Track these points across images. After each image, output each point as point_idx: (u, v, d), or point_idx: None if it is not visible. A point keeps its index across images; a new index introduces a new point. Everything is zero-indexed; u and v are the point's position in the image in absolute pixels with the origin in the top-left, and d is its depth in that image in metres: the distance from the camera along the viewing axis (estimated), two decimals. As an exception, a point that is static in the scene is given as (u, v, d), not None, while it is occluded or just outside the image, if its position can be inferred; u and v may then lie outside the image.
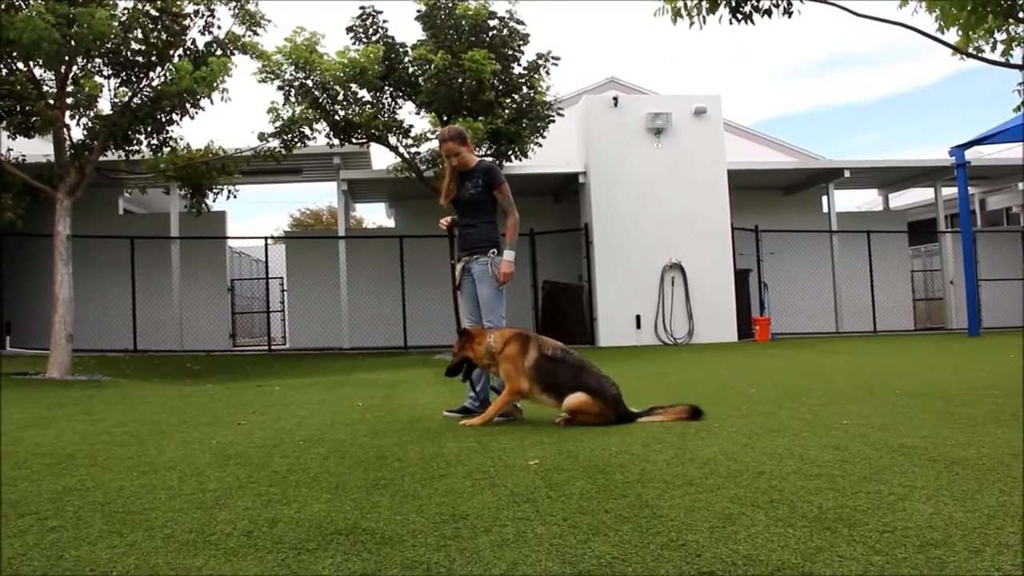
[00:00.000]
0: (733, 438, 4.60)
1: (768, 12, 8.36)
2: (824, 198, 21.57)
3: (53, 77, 11.20)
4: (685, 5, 8.19)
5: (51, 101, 11.16)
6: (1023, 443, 4.18)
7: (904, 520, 2.81)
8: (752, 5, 8.24)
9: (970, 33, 8.66)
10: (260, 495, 3.47)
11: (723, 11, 8.28)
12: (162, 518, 3.11)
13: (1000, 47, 8.56)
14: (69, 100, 11.33)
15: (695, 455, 4.10)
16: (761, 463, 3.87)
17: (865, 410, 5.73)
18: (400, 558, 2.55)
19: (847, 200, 37.03)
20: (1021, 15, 7.96)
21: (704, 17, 8.27)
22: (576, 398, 5.28)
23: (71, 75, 11.17)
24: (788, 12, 8.39)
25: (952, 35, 8.66)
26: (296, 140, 14.26)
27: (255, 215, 73.60)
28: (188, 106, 11.76)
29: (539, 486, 3.51)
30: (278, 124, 14.06)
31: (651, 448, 4.32)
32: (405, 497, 3.37)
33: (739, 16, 8.33)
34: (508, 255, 6.15)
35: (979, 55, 8.58)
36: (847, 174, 20.00)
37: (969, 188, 18.97)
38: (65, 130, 11.41)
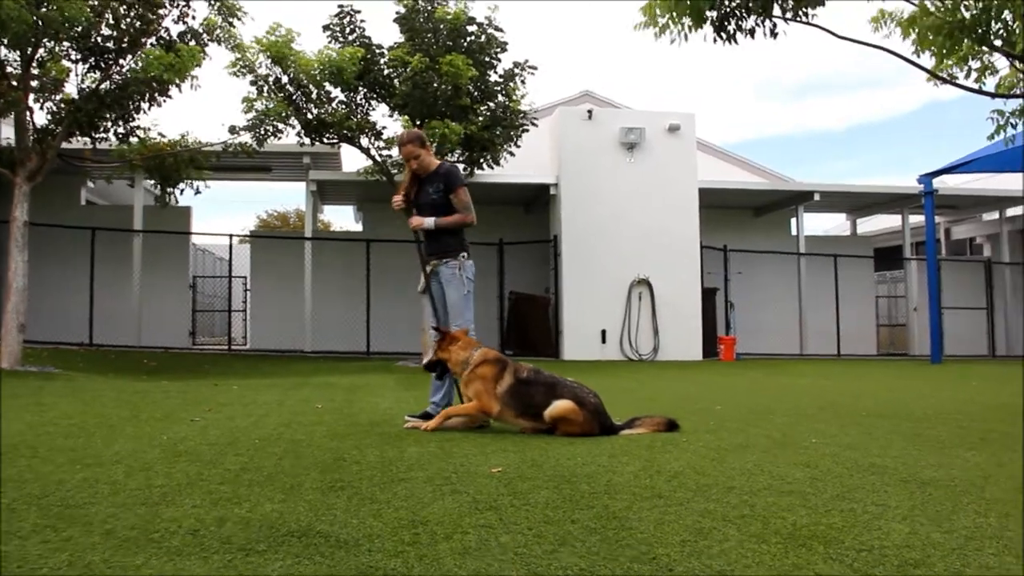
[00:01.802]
0: (701, 452, 4.51)
1: (751, 32, 8.32)
2: (793, 220, 21.66)
3: (18, 58, 10.91)
4: (670, 20, 8.11)
5: (14, 83, 10.87)
6: (995, 466, 4.13)
7: (881, 539, 2.72)
8: (736, 25, 8.20)
9: (944, 60, 8.69)
10: (209, 493, 3.31)
11: (707, 29, 8.22)
12: (103, 513, 2.94)
13: (974, 75, 8.60)
14: (34, 83, 11.05)
15: (663, 468, 3.99)
16: (731, 478, 3.77)
17: (832, 430, 5.67)
18: (355, 563, 2.42)
19: (815, 224, 37.34)
20: (997, 43, 8.00)
21: (686, 35, 8.20)
22: (559, 406, 5.15)
23: (37, 57, 10.89)
24: (774, 33, 8.36)
25: (926, 61, 8.71)
26: (268, 134, 14.02)
27: (221, 214, 72.85)
28: (156, 94, 11.53)
29: (502, 494, 3.38)
30: (251, 116, 13.81)
31: (617, 459, 4.21)
32: (362, 500, 3.23)
33: (723, 35, 8.29)
34: (429, 220, 6.02)
35: (954, 81, 8.60)
36: (817, 197, 20.06)
37: (935, 217, 19.15)
38: (28, 113, 11.12)
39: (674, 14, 7.98)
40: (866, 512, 3.12)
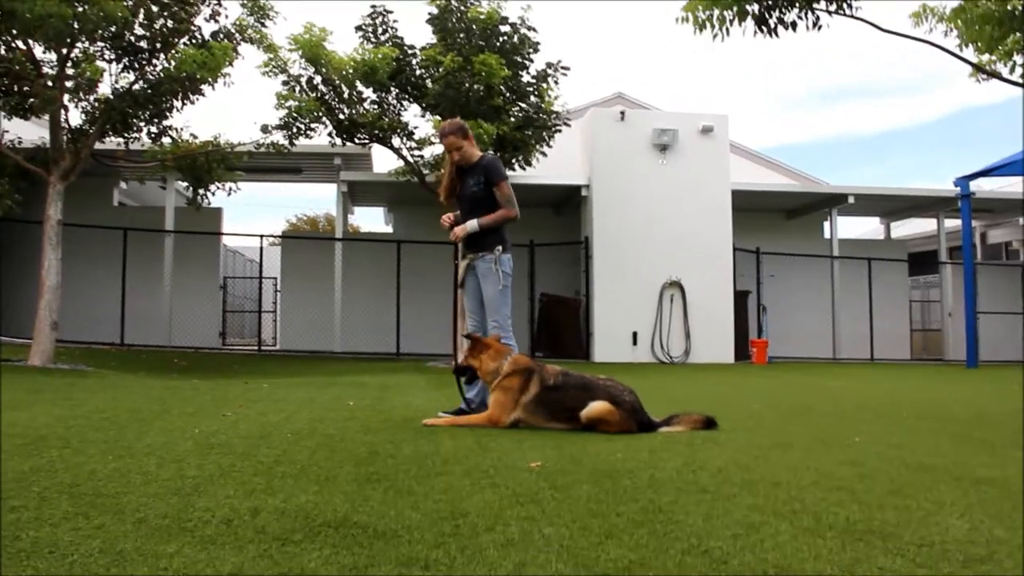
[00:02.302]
0: (743, 449, 4.39)
1: (793, 25, 8.17)
2: (826, 224, 21.43)
3: (54, 58, 10.97)
4: (711, 16, 7.98)
5: (50, 83, 10.93)
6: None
7: (941, 535, 2.60)
8: (778, 18, 8.06)
9: (989, 55, 8.52)
10: (243, 484, 3.24)
11: (748, 23, 8.09)
12: (135, 502, 2.88)
13: (1020, 70, 8.42)
14: (69, 83, 11.11)
15: (706, 464, 3.88)
16: (776, 474, 3.65)
17: (875, 430, 5.54)
18: (395, 554, 2.33)
19: (848, 228, 37.03)
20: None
21: (728, 28, 8.08)
22: (595, 408, 5.05)
23: (72, 57, 10.94)
24: (817, 26, 8.20)
25: (970, 56, 8.53)
26: (300, 133, 14.03)
27: (251, 218, 73.31)
28: (189, 92, 11.54)
29: (543, 487, 3.28)
30: (283, 115, 13.83)
31: (658, 456, 4.11)
32: (399, 493, 3.15)
33: (764, 28, 8.15)
34: (471, 224, 5.90)
35: (999, 75, 8.42)
36: (851, 200, 19.82)
37: (972, 220, 18.82)
38: (63, 112, 11.17)
39: (716, 10, 7.86)
40: (921, 509, 2.99)
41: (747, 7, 7.82)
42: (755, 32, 8.21)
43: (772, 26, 8.08)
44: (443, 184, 6.24)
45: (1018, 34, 7.69)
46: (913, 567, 2.26)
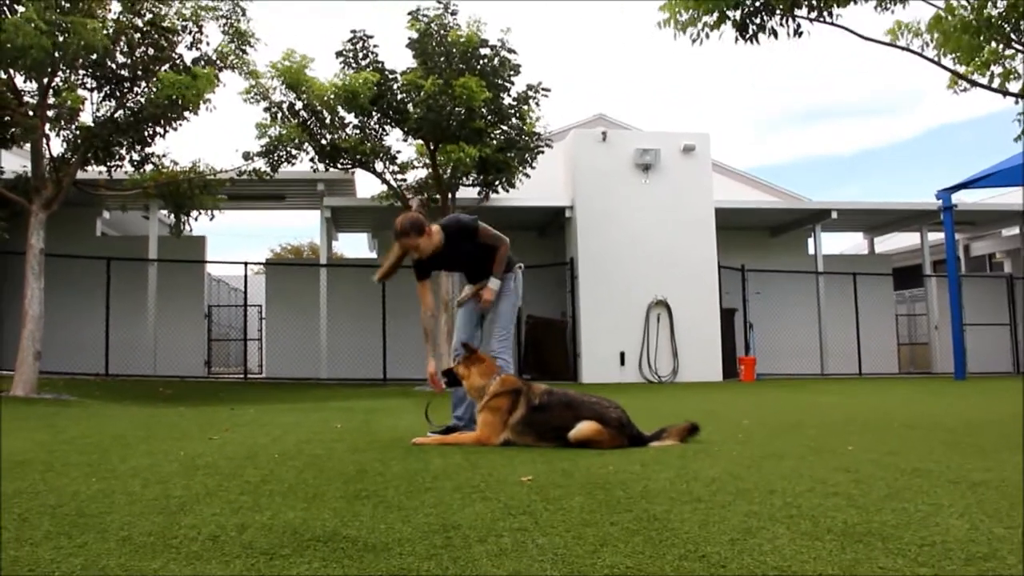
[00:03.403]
0: (736, 460, 4.35)
1: (774, 32, 8.21)
2: (810, 240, 21.51)
3: (35, 87, 10.93)
4: (691, 18, 8.01)
5: (31, 112, 10.87)
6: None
7: (942, 535, 2.57)
8: (758, 25, 8.10)
9: (967, 67, 8.60)
10: (230, 503, 3.18)
11: (727, 28, 8.13)
12: (119, 521, 2.81)
13: (997, 80, 8.48)
14: (50, 112, 11.05)
15: (699, 475, 3.84)
16: (771, 482, 3.61)
17: (867, 439, 5.51)
18: (386, 566, 2.28)
19: (832, 245, 37.24)
20: (1019, 47, 7.89)
21: (707, 33, 8.11)
22: (582, 429, 4.99)
23: (53, 85, 10.90)
24: (798, 33, 8.24)
25: (949, 65, 8.61)
26: (282, 160, 14.01)
27: (236, 247, 73.08)
28: (172, 119, 11.50)
29: (535, 500, 3.23)
30: (264, 142, 13.81)
31: (650, 468, 4.06)
32: (389, 508, 3.09)
33: (744, 35, 8.18)
34: (493, 283, 5.99)
35: (978, 83, 8.49)
36: (834, 215, 19.91)
37: (955, 233, 18.91)
38: (44, 141, 11.11)
39: (695, 12, 7.90)
40: (919, 511, 2.96)
41: (728, 12, 7.85)
42: (736, 39, 8.26)
43: (752, 32, 8.12)
44: (384, 267, 6.08)
45: (994, 44, 7.77)
46: (915, 566, 2.22)
